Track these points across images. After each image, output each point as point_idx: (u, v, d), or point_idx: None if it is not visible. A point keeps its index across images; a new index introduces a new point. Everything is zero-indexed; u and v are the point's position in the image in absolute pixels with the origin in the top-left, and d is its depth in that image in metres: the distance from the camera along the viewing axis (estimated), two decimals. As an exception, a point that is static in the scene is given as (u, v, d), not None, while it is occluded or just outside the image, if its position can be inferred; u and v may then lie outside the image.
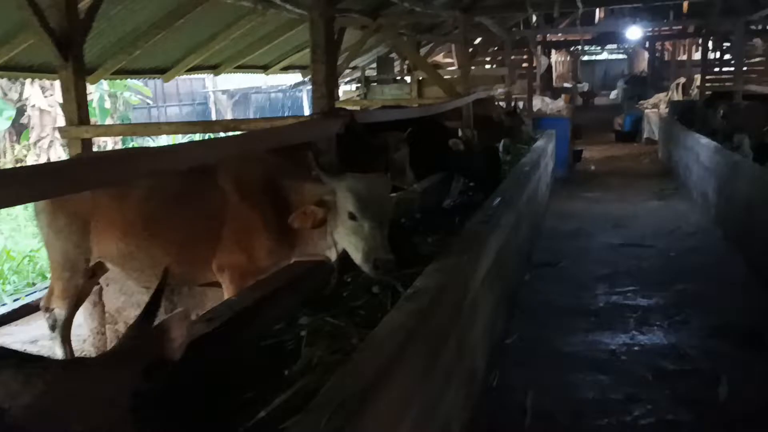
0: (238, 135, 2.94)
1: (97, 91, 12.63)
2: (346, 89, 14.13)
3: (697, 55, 18.16)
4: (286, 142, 3.35)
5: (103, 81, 12.93)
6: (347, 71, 13.22)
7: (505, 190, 5.78)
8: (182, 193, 3.48)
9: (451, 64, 15.46)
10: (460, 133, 8.26)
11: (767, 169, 6.30)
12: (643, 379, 4.20)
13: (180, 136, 7.93)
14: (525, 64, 15.18)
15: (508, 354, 4.66)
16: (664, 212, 9.13)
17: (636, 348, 4.65)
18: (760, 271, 5.86)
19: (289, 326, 3.05)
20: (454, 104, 7.01)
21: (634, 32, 12.37)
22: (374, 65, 13.43)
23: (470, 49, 15.84)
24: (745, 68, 15.03)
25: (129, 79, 11.63)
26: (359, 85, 12.39)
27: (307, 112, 16.62)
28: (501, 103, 12.18)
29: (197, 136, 4.77)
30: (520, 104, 12.69)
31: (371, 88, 12.24)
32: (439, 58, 16.44)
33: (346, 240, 3.11)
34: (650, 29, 16.27)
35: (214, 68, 8.78)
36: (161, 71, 7.85)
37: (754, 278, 5.91)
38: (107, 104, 12.82)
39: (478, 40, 15.37)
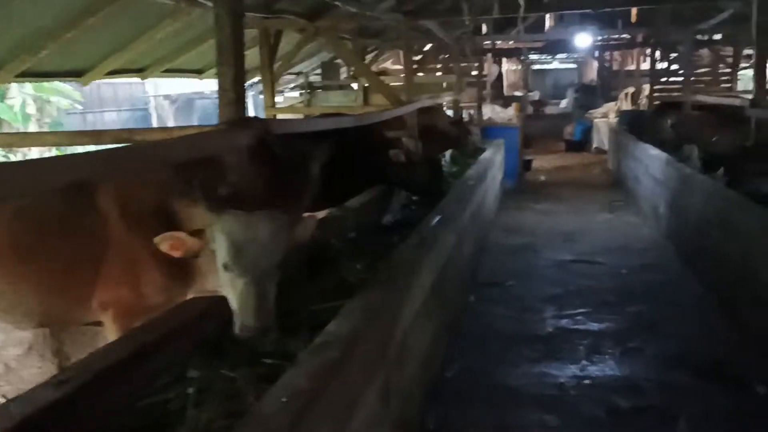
0: (108, 149, 2.39)
1: (19, 95, 11.80)
2: (290, 96, 13.60)
3: (645, 65, 18.17)
4: (178, 157, 2.82)
5: (28, 84, 12.13)
6: (290, 77, 12.73)
7: (447, 206, 5.36)
8: (56, 216, 2.92)
9: (401, 71, 15.05)
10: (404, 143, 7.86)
11: (721, 184, 6.00)
12: (595, 419, 3.79)
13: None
14: (475, 72, 14.85)
15: (449, 389, 4.21)
16: (614, 225, 8.85)
17: (586, 381, 4.25)
18: (715, 293, 5.55)
19: (177, 381, 2.53)
20: (395, 113, 6.56)
21: (583, 39, 12.14)
22: (320, 71, 12.94)
23: (420, 56, 15.61)
24: (692, 78, 15.06)
25: (51, 82, 10.86)
26: (303, 91, 11.86)
27: (252, 118, 15.93)
28: (450, 112, 11.84)
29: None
30: (468, 113, 12.37)
31: (315, 95, 11.72)
32: (388, 65, 16.03)
33: (223, 288, 2.58)
34: (600, 38, 16.15)
35: (141, 72, 8.14)
36: (78, 74, 7.18)
37: (708, 299, 5.59)
38: (30, 109, 11.98)
39: (428, 47, 15.08)
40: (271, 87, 7.78)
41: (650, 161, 8.87)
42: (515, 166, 12.33)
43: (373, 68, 12.49)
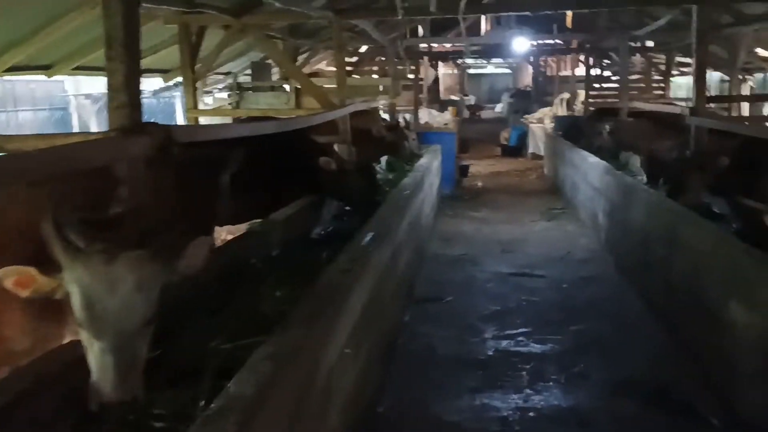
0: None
1: None
2: (221, 97, 12.98)
3: (580, 71, 18.29)
4: (53, 170, 2.31)
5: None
6: (220, 77, 12.11)
7: (381, 218, 4.95)
8: None
9: (335, 73, 14.60)
10: (336, 150, 7.42)
11: (664, 196, 5.80)
12: (541, 459, 3.45)
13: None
14: (411, 75, 14.55)
15: (381, 427, 3.79)
16: (553, 234, 8.64)
17: (531, 413, 3.90)
18: (658, 311, 5.31)
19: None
20: (326, 117, 6.11)
21: (520, 44, 11.95)
22: (251, 71, 12.36)
23: (356, 58, 15.20)
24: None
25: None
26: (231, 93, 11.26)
27: (181, 120, 15.22)
28: (386, 116, 11.47)
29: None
30: (404, 117, 12.01)
31: (245, 96, 11.15)
32: (322, 66, 15.55)
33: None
34: (536, 43, 16.13)
35: (47, 68, 7.43)
36: (-30, 69, 6.46)
37: (652, 317, 5.35)
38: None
39: (365, 48, 14.67)
40: (192, 88, 7.22)
41: (589, 169, 8.71)
42: (452, 172, 12.06)
43: (306, 69, 12.00)
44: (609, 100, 14.46)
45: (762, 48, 11.13)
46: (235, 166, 4.84)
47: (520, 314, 5.57)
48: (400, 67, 16.47)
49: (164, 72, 9.78)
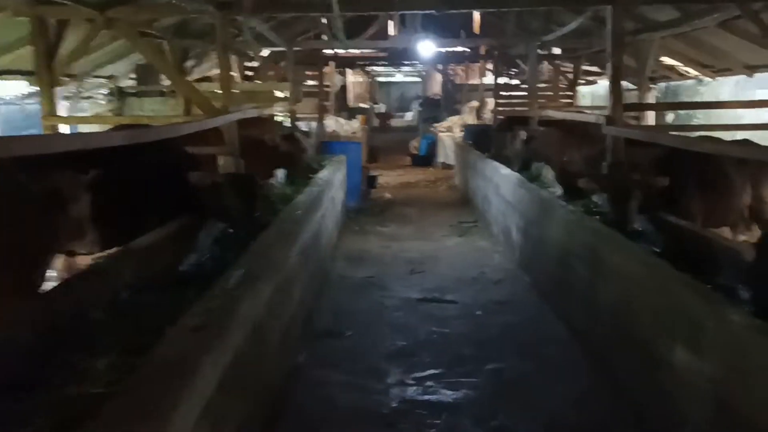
0: None
1: None
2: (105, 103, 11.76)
3: (488, 80, 18.05)
4: None
5: None
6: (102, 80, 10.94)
7: (263, 248, 4.14)
8: None
9: (232, 78, 13.62)
10: (221, 162, 6.55)
11: (582, 213, 5.28)
12: None
13: None
14: (314, 82, 13.81)
15: None
16: (465, 251, 8.05)
17: (444, 488, 3.20)
18: (583, 341, 4.74)
19: None
20: (204, 125, 5.23)
21: (426, 47, 11.38)
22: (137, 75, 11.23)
23: (257, 63, 14.27)
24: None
25: None
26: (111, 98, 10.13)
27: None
28: (288, 124, 10.64)
29: None
30: (307, 125, 11.25)
31: (127, 102, 10.06)
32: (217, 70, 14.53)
33: None
34: (443, 49, 15.71)
35: None
36: None
37: (576, 350, 4.76)
38: None
39: (267, 52, 13.80)
40: (49, 92, 6.17)
41: (501, 181, 8.19)
42: (359, 183, 11.35)
43: (197, 74, 11.00)
44: (517, 108, 14.22)
45: (667, 56, 11.03)
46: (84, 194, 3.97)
47: (429, 350, 4.87)
48: (308, 73, 15.75)
49: (27, 74, 8.58)
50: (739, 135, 8.30)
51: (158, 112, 10.19)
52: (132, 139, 3.67)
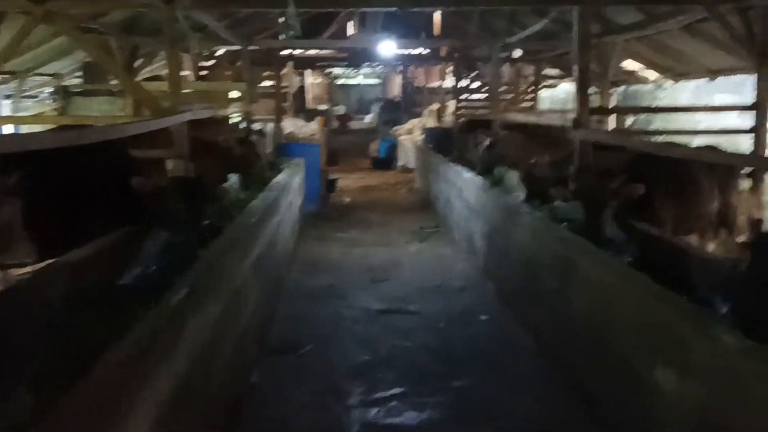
0: None
1: None
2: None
3: (448, 82, 17.90)
4: None
5: None
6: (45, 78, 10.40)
7: (212, 260, 3.81)
8: None
9: (186, 77, 13.15)
10: (170, 166, 6.17)
11: (550, 220, 5.07)
12: None
13: None
14: (271, 82, 13.44)
15: None
16: (427, 258, 7.80)
17: None
18: (553, 357, 4.51)
19: None
20: (146, 126, 4.85)
21: (386, 47, 11.12)
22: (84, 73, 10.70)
23: (211, 62, 13.83)
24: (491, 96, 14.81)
25: None
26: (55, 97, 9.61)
27: None
28: (245, 125, 10.25)
29: None
30: (262, 126, 10.88)
31: (72, 102, 9.55)
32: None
33: None
34: (404, 51, 15.50)
35: None
36: None
37: (546, 366, 4.53)
38: None
39: (222, 51, 13.38)
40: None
41: (464, 185, 7.97)
42: (318, 187, 11.03)
43: (147, 72, 10.54)
44: (479, 111, 14.07)
45: (629, 60, 10.99)
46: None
47: (392, 366, 4.60)
48: (266, 74, 15.35)
49: (-38, 70, 8.06)
50: (698, 140, 8.31)
51: (106, 112, 9.70)
52: (66, 141, 3.30)
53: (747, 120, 9.57)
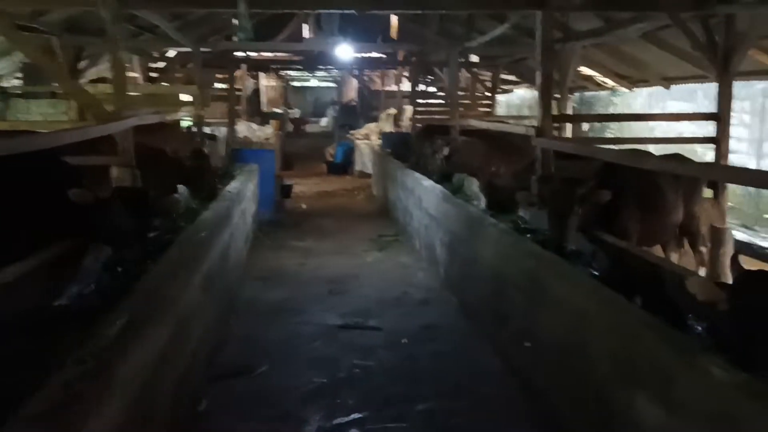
0: None
1: None
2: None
3: (404, 86, 17.73)
4: None
5: None
6: None
7: (160, 276, 3.50)
8: None
9: (134, 79, 12.66)
10: (115, 175, 5.80)
11: (517, 233, 4.90)
12: None
13: None
14: (223, 85, 13.06)
15: None
16: (386, 268, 7.57)
17: None
18: (522, 378, 4.29)
19: None
20: (87, 133, 4.49)
21: (344, 51, 10.84)
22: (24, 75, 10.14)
23: (162, 64, 13.34)
24: (449, 101, 14.70)
25: None
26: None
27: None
28: (195, 130, 9.86)
29: None
30: (209, 131, 10.50)
31: (12, 104, 9.04)
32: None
33: None
34: (360, 54, 15.25)
35: None
36: None
37: (515, 387, 4.31)
38: None
39: (174, 53, 12.93)
40: None
41: (423, 193, 7.77)
42: (272, 193, 10.70)
43: (93, 74, 10.05)
44: (436, 116, 13.92)
45: (586, 66, 10.97)
46: None
47: (353, 389, 4.34)
48: (218, 76, 14.92)
49: None
50: (654, 149, 8.28)
51: (49, 116, 9.23)
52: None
53: (702, 128, 9.68)
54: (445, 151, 8.77)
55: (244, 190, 7.51)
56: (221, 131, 14.11)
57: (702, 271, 5.60)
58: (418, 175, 8.50)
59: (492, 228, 5.13)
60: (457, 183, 8.47)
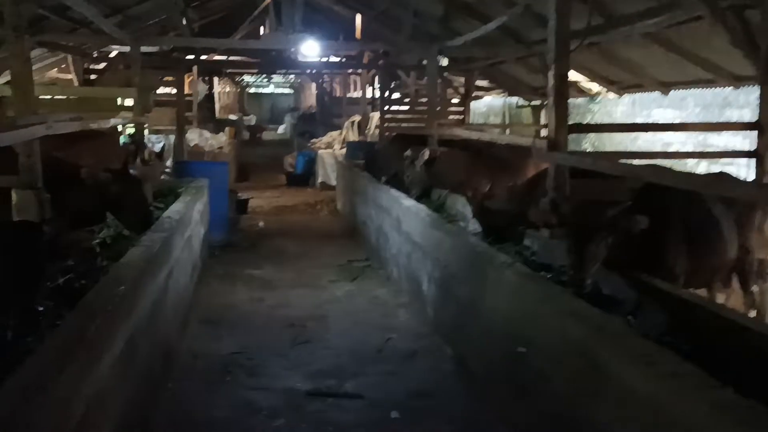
0: None
1: None
2: None
3: (370, 93, 16.59)
4: None
5: None
6: None
7: (51, 361, 2.26)
8: None
9: (67, 82, 11.26)
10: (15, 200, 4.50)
11: (548, 282, 3.77)
12: None
13: None
14: (168, 89, 11.78)
15: None
16: (361, 306, 6.38)
17: None
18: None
19: None
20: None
21: (310, 47, 9.60)
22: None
23: (103, 64, 11.96)
24: (421, 108, 13.62)
25: None
26: None
27: None
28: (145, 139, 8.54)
29: None
30: (156, 140, 9.22)
31: None
32: (54, 73, 12.10)
33: None
34: (324, 58, 14.10)
35: None
36: None
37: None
38: None
39: (115, 52, 11.57)
40: None
41: (404, 215, 6.62)
42: (226, 211, 9.40)
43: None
44: (404, 124, 12.84)
45: (574, 70, 9.99)
46: None
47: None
48: (168, 78, 13.55)
49: None
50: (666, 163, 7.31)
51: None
52: None
53: (692, 138, 8.79)
54: (426, 154, 7.64)
55: (190, 213, 6.25)
56: (170, 140, 12.80)
57: (753, 313, 4.59)
58: (395, 192, 7.35)
59: (507, 270, 3.97)
60: (438, 200, 7.36)
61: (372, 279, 7.29)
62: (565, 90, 4.88)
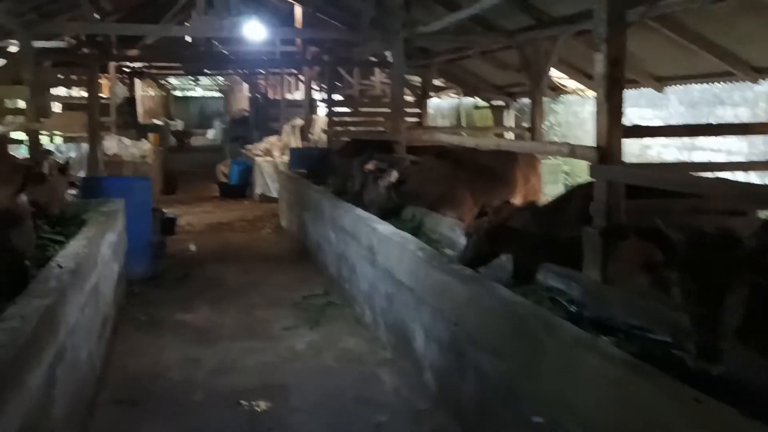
0: None
1: None
2: None
3: (314, 94, 15.10)
4: None
5: None
6: None
7: None
8: None
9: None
10: None
11: (647, 367, 2.39)
12: None
13: None
14: (78, 91, 10.02)
15: None
16: (329, 366, 4.88)
17: None
18: None
19: None
20: None
21: (255, 30, 7.98)
22: None
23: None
24: (369, 109, 12.29)
25: None
26: None
27: None
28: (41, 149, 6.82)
29: None
30: (67, 149, 7.54)
31: None
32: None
33: None
34: (259, 52, 12.54)
35: None
36: None
37: None
38: None
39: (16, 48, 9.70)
40: None
41: (380, 245, 5.16)
42: (149, 236, 7.71)
43: None
44: (351, 128, 11.45)
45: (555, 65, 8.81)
46: None
47: None
48: (73, 77, 11.70)
49: None
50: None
51: None
52: None
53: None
54: (393, 176, 6.26)
55: (95, 252, 4.63)
56: (83, 148, 11.04)
57: None
58: (362, 212, 5.93)
59: (590, 353, 2.57)
60: (413, 222, 6.00)
61: (337, 322, 5.80)
62: (619, 81, 3.55)
